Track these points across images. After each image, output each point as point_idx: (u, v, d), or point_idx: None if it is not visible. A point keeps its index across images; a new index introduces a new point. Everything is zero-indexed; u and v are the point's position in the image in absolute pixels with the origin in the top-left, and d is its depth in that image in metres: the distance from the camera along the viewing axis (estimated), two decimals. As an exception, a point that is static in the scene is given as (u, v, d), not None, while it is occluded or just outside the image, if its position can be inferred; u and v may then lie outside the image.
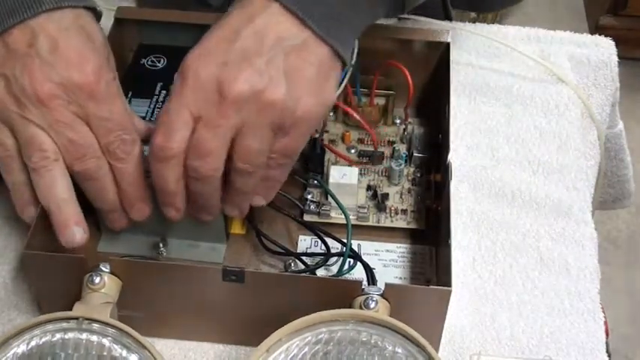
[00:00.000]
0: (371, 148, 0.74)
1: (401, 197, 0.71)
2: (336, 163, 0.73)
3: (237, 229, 0.69)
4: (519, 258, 0.69)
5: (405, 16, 0.81)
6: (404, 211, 0.70)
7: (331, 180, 0.69)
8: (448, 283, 0.58)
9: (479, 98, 0.81)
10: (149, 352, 0.56)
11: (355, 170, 0.70)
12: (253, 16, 0.58)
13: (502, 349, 0.64)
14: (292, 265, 0.67)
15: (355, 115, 0.71)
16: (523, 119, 0.79)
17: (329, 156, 0.74)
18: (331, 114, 0.75)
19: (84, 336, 0.56)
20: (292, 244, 0.69)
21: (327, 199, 0.70)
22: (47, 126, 0.59)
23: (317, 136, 0.73)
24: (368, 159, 0.73)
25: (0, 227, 0.70)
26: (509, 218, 0.72)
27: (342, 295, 0.58)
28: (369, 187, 0.71)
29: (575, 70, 0.83)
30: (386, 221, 0.70)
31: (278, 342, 0.56)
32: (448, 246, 0.61)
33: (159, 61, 0.75)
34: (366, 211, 0.69)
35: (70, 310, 0.57)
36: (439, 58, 0.75)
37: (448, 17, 0.87)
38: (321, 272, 0.66)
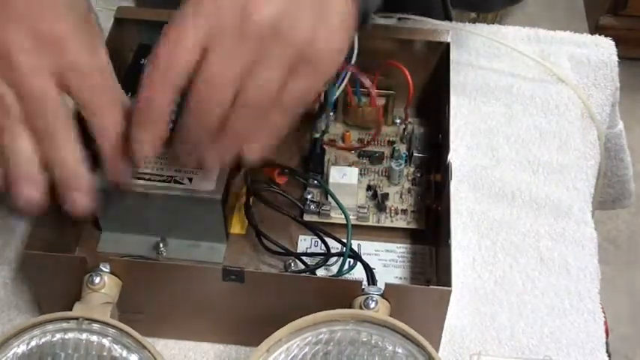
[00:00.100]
0: (371, 149, 0.74)
1: (401, 197, 0.71)
2: (336, 163, 0.73)
3: (237, 229, 0.69)
4: (519, 258, 0.69)
5: (405, 16, 0.81)
6: (404, 211, 0.70)
7: (331, 180, 0.69)
8: (448, 283, 0.58)
9: (479, 98, 0.81)
10: (149, 352, 0.56)
11: (355, 170, 0.70)
12: None
13: (502, 349, 0.64)
14: (292, 265, 0.67)
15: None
16: (523, 119, 0.79)
17: (329, 156, 0.74)
18: (331, 114, 0.75)
19: (84, 336, 0.56)
20: (292, 244, 0.69)
21: (327, 199, 0.70)
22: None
23: (317, 136, 0.74)
24: (368, 159, 0.73)
25: (0, 227, 0.70)
26: (509, 218, 0.72)
27: (342, 295, 0.58)
28: (369, 187, 0.71)
29: (575, 70, 0.83)
30: (386, 221, 0.70)
31: (278, 342, 0.56)
32: (448, 246, 0.61)
33: (159, 61, 0.75)
34: (366, 211, 0.69)
35: (70, 310, 0.57)
36: (439, 58, 0.75)
37: (448, 17, 0.87)
38: (321, 272, 0.66)
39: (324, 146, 0.74)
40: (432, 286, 0.61)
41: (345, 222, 0.67)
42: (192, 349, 0.64)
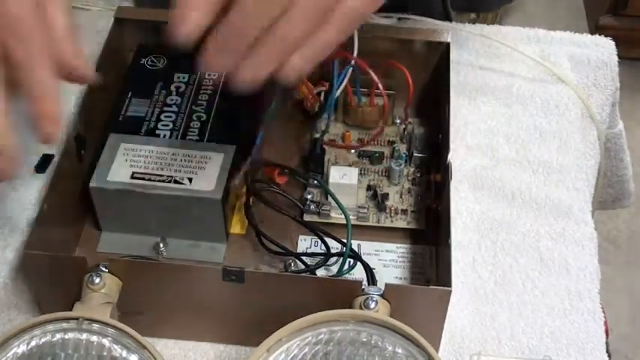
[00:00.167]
0: (370, 148, 0.74)
1: (401, 197, 0.71)
2: (336, 163, 0.73)
3: (237, 229, 0.69)
4: (519, 258, 0.69)
5: (405, 16, 0.81)
6: (404, 211, 0.70)
7: (331, 180, 0.69)
8: (448, 283, 0.58)
9: (479, 98, 0.81)
10: (149, 352, 0.56)
11: (355, 170, 0.70)
12: None
13: (502, 349, 0.64)
14: (292, 265, 0.67)
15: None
16: (523, 119, 0.79)
17: (329, 156, 0.74)
18: (332, 114, 0.75)
19: (84, 336, 0.56)
20: (292, 244, 0.69)
21: (327, 199, 0.70)
22: None
23: (317, 136, 0.74)
24: (368, 159, 0.73)
25: (0, 227, 0.70)
26: (509, 218, 0.72)
27: (342, 295, 0.58)
28: (369, 187, 0.71)
29: (575, 70, 0.83)
30: (386, 221, 0.70)
31: (278, 342, 0.56)
32: (448, 246, 0.61)
33: (159, 61, 0.75)
34: (366, 211, 0.69)
35: (70, 310, 0.57)
36: (439, 58, 0.75)
37: (448, 17, 0.87)
38: (321, 272, 0.66)
39: (324, 146, 0.74)
40: (432, 286, 0.61)
41: (345, 222, 0.67)
42: (192, 349, 0.64)
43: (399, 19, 0.81)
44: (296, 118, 0.77)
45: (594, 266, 0.69)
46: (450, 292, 0.58)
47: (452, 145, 0.69)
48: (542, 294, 0.67)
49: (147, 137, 0.69)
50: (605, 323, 0.69)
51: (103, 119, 0.71)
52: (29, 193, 0.72)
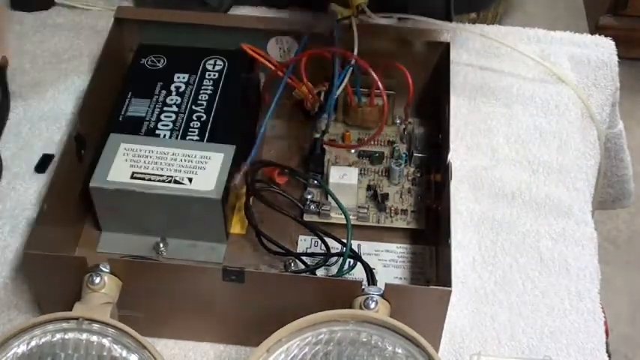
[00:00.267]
0: (370, 149, 0.74)
1: (401, 197, 0.71)
2: (336, 163, 0.73)
3: (237, 229, 0.69)
4: (519, 258, 0.69)
5: (405, 16, 0.81)
6: (404, 211, 0.70)
7: (331, 180, 0.69)
8: (448, 283, 0.58)
9: (479, 98, 0.81)
10: (149, 352, 0.56)
11: (355, 170, 0.70)
12: None
13: (502, 349, 0.64)
14: (292, 265, 0.67)
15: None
16: (523, 119, 0.79)
17: (329, 156, 0.74)
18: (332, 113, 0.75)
19: (84, 336, 0.56)
20: (292, 244, 0.69)
21: (327, 199, 0.70)
22: None
23: (317, 136, 0.74)
24: (368, 159, 0.73)
25: (0, 227, 0.70)
26: (509, 218, 0.72)
27: (342, 295, 0.58)
28: (369, 187, 0.71)
29: (575, 70, 0.83)
30: (386, 221, 0.70)
31: (278, 342, 0.56)
32: (448, 246, 0.61)
33: (159, 61, 0.75)
34: (366, 211, 0.69)
35: (70, 310, 0.57)
36: (439, 58, 0.75)
37: (448, 17, 0.87)
38: (321, 272, 0.66)
39: (324, 146, 0.74)
40: (432, 286, 0.61)
41: (345, 222, 0.67)
42: (192, 349, 0.64)
43: (399, 19, 0.81)
44: (296, 118, 0.77)
45: (594, 266, 0.69)
46: (450, 292, 0.58)
47: (452, 145, 0.69)
48: (542, 294, 0.67)
49: (147, 137, 0.69)
50: (605, 323, 0.69)
51: (103, 119, 0.71)
52: (29, 193, 0.72)
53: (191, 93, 0.72)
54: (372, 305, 0.57)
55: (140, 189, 0.65)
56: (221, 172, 0.66)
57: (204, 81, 0.73)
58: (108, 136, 0.68)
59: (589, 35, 0.86)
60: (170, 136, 0.69)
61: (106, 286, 0.59)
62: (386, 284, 0.58)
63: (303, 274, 0.65)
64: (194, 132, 0.69)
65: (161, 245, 0.67)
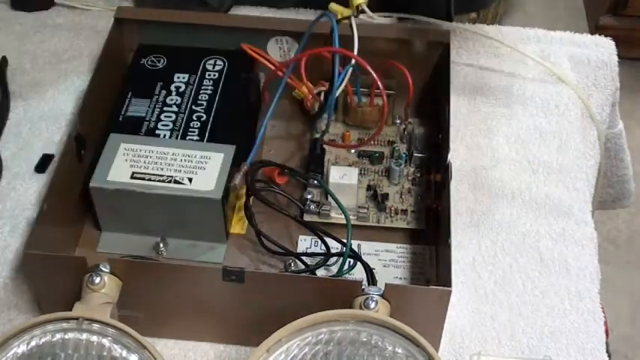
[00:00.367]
0: (370, 149, 0.74)
1: (401, 197, 0.71)
2: (336, 163, 0.73)
3: (237, 229, 0.69)
4: (519, 258, 0.69)
5: (405, 16, 0.81)
6: (404, 211, 0.70)
7: (331, 180, 0.69)
8: (448, 283, 0.58)
9: (479, 98, 0.81)
10: (149, 352, 0.56)
11: (355, 170, 0.70)
12: None
13: (502, 349, 0.64)
14: (292, 265, 0.67)
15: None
16: (523, 119, 0.79)
17: (329, 156, 0.74)
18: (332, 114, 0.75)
19: (84, 336, 0.56)
20: (292, 244, 0.69)
21: (327, 199, 0.70)
22: None
23: (317, 136, 0.74)
24: (368, 159, 0.73)
25: (0, 227, 0.70)
26: (509, 218, 0.72)
27: (342, 295, 0.58)
28: (369, 187, 0.71)
29: (575, 70, 0.83)
30: (386, 221, 0.70)
31: (278, 342, 0.56)
32: (448, 246, 0.61)
33: (159, 61, 0.75)
34: (366, 211, 0.69)
35: (70, 310, 0.57)
36: (439, 58, 0.75)
37: (448, 17, 0.87)
38: (321, 272, 0.66)
39: (324, 146, 0.74)
40: (432, 286, 0.61)
41: (345, 222, 0.67)
42: (192, 349, 0.64)
43: (399, 19, 0.81)
44: (296, 118, 0.77)
45: (594, 266, 0.69)
46: (450, 292, 0.58)
47: (452, 145, 0.69)
48: (542, 294, 0.67)
49: (147, 137, 0.69)
50: (605, 323, 0.68)
51: (103, 119, 0.71)
52: (29, 193, 0.72)
53: (191, 93, 0.72)
54: (372, 305, 0.57)
55: (140, 189, 0.65)
56: (221, 172, 0.66)
57: (205, 81, 0.73)
58: (108, 136, 0.68)
59: (589, 35, 0.86)
60: (170, 136, 0.69)
61: (106, 286, 0.59)
62: (386, 284, 0.58)
63: (303, 274, 0.65)
64: (194, 132, 0.69)
65: (161, 245, 0.67)
